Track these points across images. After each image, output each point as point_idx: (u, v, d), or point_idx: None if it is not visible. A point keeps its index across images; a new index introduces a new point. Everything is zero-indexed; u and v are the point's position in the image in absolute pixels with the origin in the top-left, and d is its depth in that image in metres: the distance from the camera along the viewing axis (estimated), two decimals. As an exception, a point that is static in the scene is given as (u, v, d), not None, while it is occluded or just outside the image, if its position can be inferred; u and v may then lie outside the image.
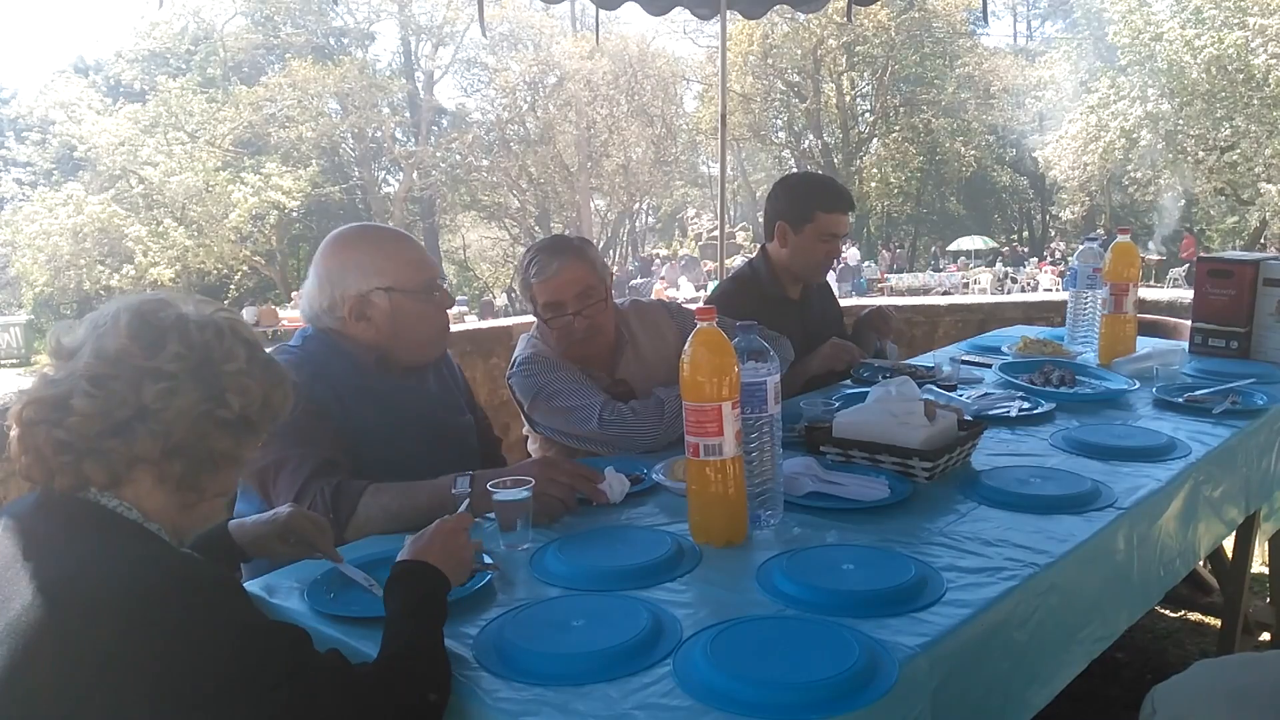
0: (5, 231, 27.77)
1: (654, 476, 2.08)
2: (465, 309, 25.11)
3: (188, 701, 1.10)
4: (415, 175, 33.92)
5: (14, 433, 1.22)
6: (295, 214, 31.33)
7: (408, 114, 35.33)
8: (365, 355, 2.11)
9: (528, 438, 2.71)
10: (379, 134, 34.15)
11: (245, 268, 31.06)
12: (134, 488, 1.24)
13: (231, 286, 30.44)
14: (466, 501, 1.76)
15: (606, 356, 2.62)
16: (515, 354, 2.61)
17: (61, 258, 26.86)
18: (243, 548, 1.66)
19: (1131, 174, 27.79)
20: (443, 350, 2.27)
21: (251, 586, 1.63)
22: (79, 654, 1.07)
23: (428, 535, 1.51)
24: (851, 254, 29.57)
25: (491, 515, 1.78)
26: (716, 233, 6.83)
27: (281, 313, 28.40)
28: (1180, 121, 25.25)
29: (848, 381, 3.05)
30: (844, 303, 4.77)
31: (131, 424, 1.20)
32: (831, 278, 3.61)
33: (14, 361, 24.62)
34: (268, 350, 1.36)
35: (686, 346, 1.67)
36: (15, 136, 30.19)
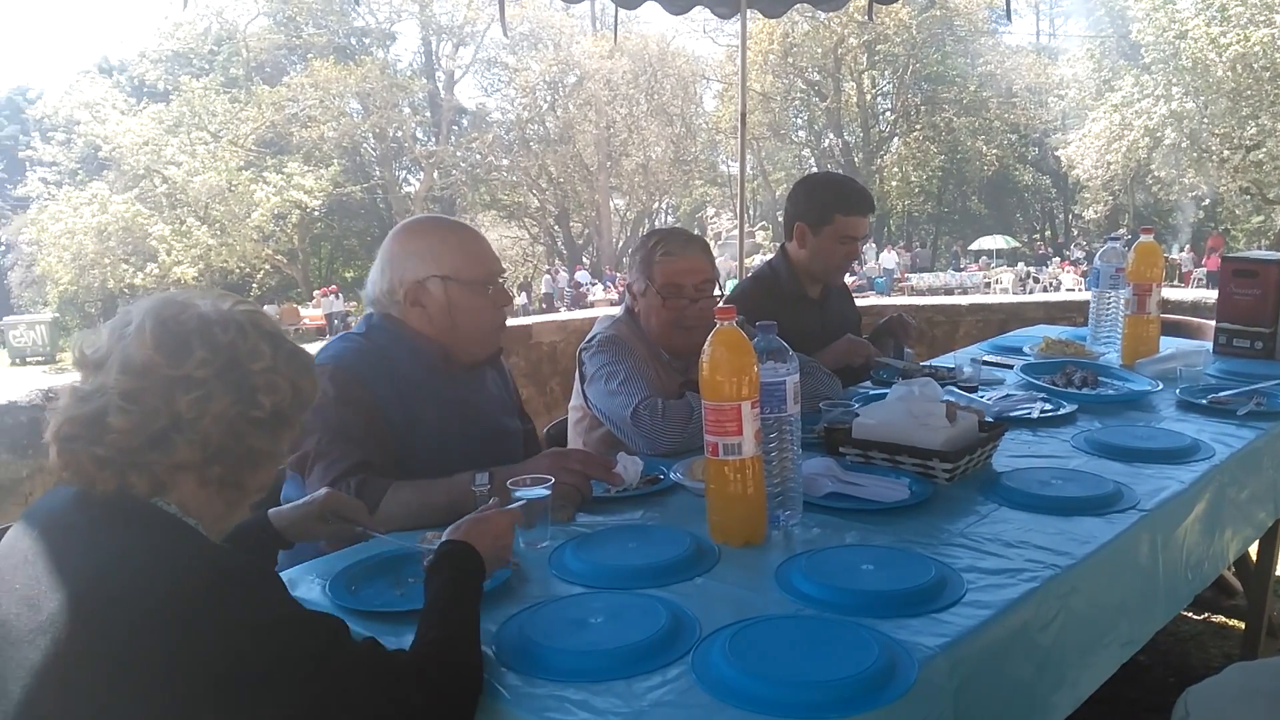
0: (31, 230, 28.11)
1: (673, 476, 2.08)
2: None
3: (223, 692, 1.10)
4: (436, 175, 34.07)
5: (54, 450, 1.21)
6: (317, 213, 31.56)
7: (428, 114, 35.51)
8: (430, 349, 2.12)
9: (571, 416, 2.72)
10: (400, 134, 34.33)
11: (267, 266, 31.29)
12: (178, 491, 1.25)
13: (254, 285, 30.65)
14: (487, 478, 1.77)
15: (695, 353, 2.66)
16: (594, 330, 2.65)
17: (86, 256, 27.16)
18: (281, 532, 1.68)
19: (1155, 173, 27.57)
20: (495, 348, 2.27)
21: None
22: (114, 649, 1.08)
23: (474, 519, 1.55)
24: (886, 258, 29.36)
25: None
26: (736, 232, 6.81)
27: (303, 311, 28.61)
28: (1205, 120, 25.04)
29: (867, 383, 3.04)
30: (863, 303, 4.76)
31: (168, 435, 1.21)
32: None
33: (40, 359, 24.89)
34: (292, 340, 1.37)
35: (706, 346, 1.67)
36: (41, 136, 30.54)
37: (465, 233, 2.20)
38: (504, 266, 2.24)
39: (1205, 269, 23.70)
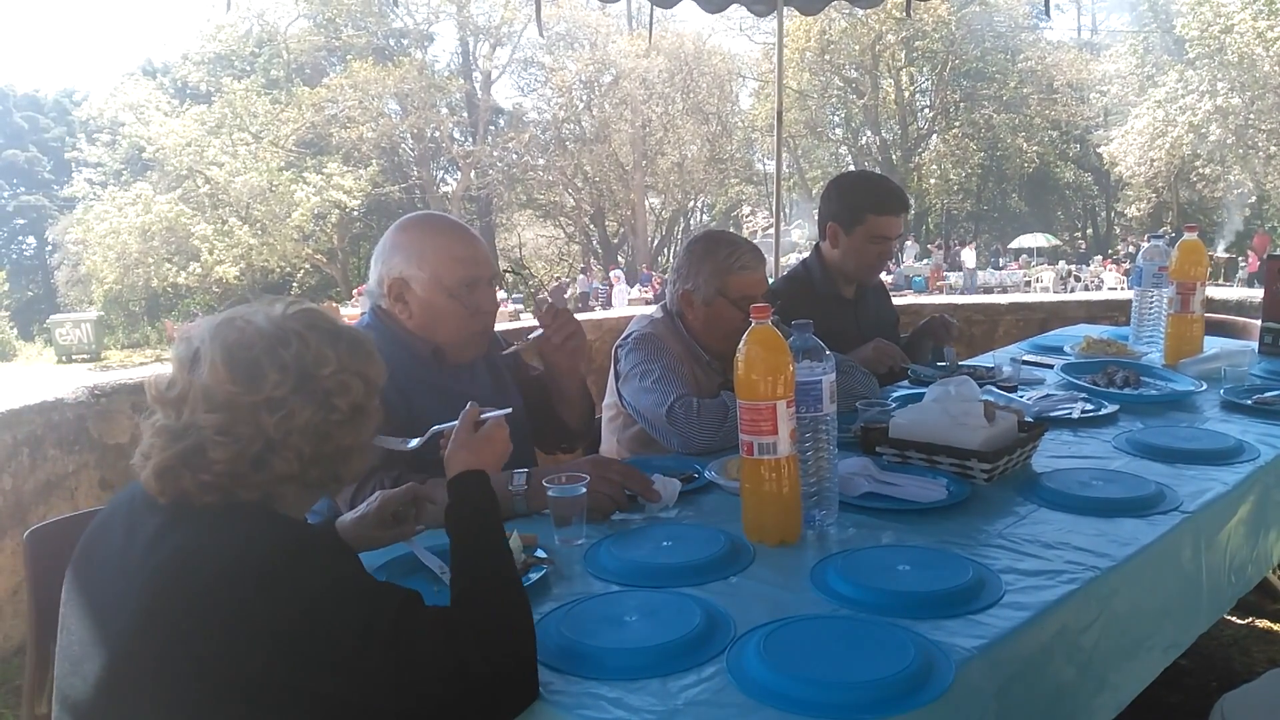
0: (77, 230, 28.60)
1: (708, 474, 2.08)
2: (520, 306, 25.28)
3: (308, 659, 1.16)
4: (473, 174, 34.22)
5: (155, 481, 1.26)
6: (356, 213, 31.80)
7: (465, 114, 35.65)
8: (421, 347, 2.14)
9: (605, 414, 2.72)
10: (437, 134, 34.51)
11: (307, 265, 31.61)
12: (285, 500, 1.32)
13: (294, 284, 30.99)
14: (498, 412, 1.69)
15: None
16: (630, 327, 2.66)
17: (130, 256, 27.57)
18: (349, 543, 1.70)
19: (1200, 170, 27.11)
20: (476, 352, 2.25)
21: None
22: (201, 623, 1.14)
23: (490, 437, 1.58)
24: (968, 255, 28.91)
25: (547, 510, 1.80)
26: (772, 230, 6.79)
27: (343, 310, 28.84)
28: (1251, 115, 24.58)
29: (905, 382, 3.02)
30: (901, 302, 4.73)
31: (265, 456, 1.27)
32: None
33: (85, 356, 25.32)
34: (347, 328, 1.41)
35: (741, 345, 1.67)
36: (86, 138, 31.07)
37: (454, 234, 2.17)
38: (497, 270, 2.22)
39: (1247, 270, 23.19)
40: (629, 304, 23.00)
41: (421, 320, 2.13)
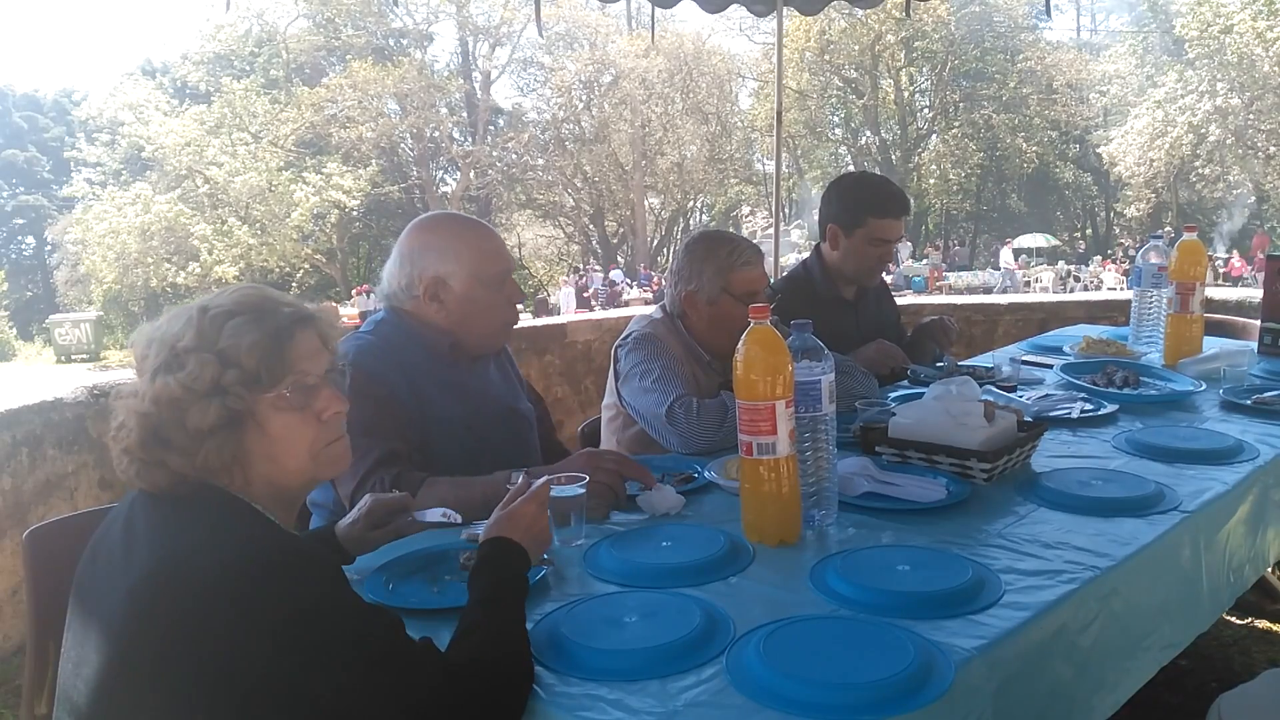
0: (76, 230, 28.62)
1: (707, 475, 2.08)
2: (519, 306, 25.28)
3: (297, 672, 1.16)
4: (472, 175, 34.21)
5: (122, 476, 1.30)
6: (355, 213, 31.82)
7: (465, 114, 35.65)
8: (439, 341, 2.16)
9: (605, 415, 2.72)
10: (437, 134, 34.51)
11: (307, 265, 31.60)
12: (244, 488, 1.31)
13: (294, 284, 30.96)
14: (522, 477, 1.74)
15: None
16: (630, 327, 2.67)
17: (130, 256, 27.59)
18: (346, 549, 1.70)
19: (1199, 170, 27.12)
20: (503, 343, 2.34)
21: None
22: (191, 630, 1.14)
23: (505, 515, 1.55)
24: (1005, 254, 28.81)
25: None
26: (771, 231, 6.79)
27: (342, 309, 28.80)
28: (1251, 116, 24.60)
29: (904, 382, 3.02)
30: (901, 302, 4.73)
31: (157, 433, 1.26)
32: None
33: (84, 356, 25.31)
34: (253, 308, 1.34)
35: (740, 345, 1.67)
36: (86, 138, 31.11)
37: (482, 230, 2.25)
38: (517, 263, 2.26)
39: (1231, 272, 23.14)
40: (575, 310, 22.90)
41: (460, 315, 2.15)
